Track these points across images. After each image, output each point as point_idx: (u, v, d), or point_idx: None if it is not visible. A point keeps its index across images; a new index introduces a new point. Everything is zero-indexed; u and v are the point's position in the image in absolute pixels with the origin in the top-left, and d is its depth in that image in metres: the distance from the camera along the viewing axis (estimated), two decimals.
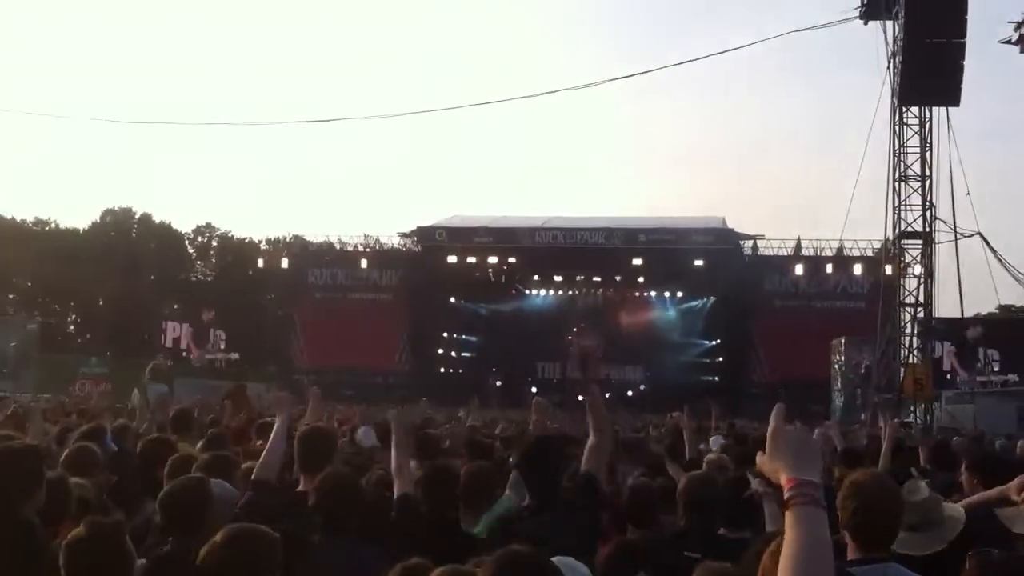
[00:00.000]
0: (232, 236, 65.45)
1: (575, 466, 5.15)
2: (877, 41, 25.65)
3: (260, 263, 50.36)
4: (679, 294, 42.60)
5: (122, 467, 6.25)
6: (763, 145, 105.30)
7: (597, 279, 43.54)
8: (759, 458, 2.20)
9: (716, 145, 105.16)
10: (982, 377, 32.28)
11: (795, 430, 2.21)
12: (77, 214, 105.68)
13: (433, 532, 4.54)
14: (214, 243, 65.76)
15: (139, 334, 49.70)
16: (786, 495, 2.05)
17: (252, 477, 4.92)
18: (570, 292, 44.65)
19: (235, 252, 63.79)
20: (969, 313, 31.69)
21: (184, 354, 42.32)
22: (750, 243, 41.80)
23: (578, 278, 43.71)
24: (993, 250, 25.08)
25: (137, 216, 62.64)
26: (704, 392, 35.54)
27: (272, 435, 5.20)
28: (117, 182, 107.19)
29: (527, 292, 44.41)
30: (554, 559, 3.25)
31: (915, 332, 26.05)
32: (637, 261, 40.05)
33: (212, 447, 6.34)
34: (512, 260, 41.43)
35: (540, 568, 2.63)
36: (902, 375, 24.95)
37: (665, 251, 39.19)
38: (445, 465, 5.58)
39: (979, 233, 24.69)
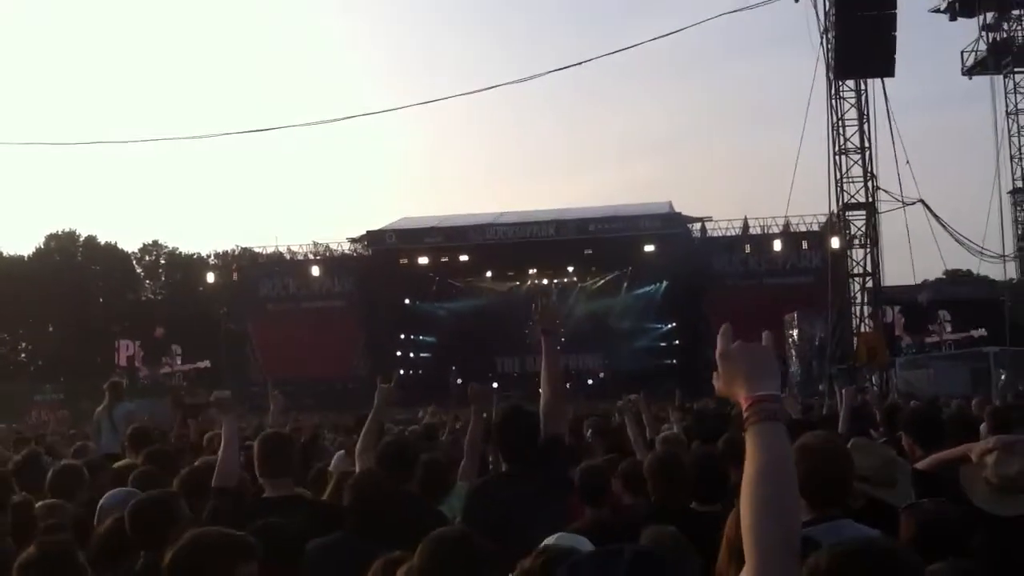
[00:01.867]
0: (180, 252, 64.75)
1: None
2: (809, 17, 25.94)
3: (210, 278, 49.84)
4: (632, 280, 42.84)
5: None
6: (705, 128, 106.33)
7: (550, 272, 43.68)
8: (714, 381, 2.07)
9: (659, 131, 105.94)
10: (933, 339, 32.92)
11: (745, 344, 2.07)
12: (20, 241, 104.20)
13: (396, 506, 4.51)
14: (162, 261, 64.97)
15: (91, 358, 49.03)
16: (744, 414, 1.90)
17: (212, 486, 4.89)
18: (524, 286, 44.73)
19: (184, 268, 63.09)
20: (917, 279, 32.33)
21: (139, 373, 41.78)
22: (698, 226, 42.11)
23: (530, 271, 43.83)
24: (936, 216, 25.53)
25: (81, 239, 61.68)
26: (662, 376, 35.98)
27: (223, 442, 5.15)
28: (59, 206, 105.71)
29: (482, 289, 44.42)
30: (559, 535, 3.31)
31: (865, 301, 26.44)
32: (588, 251, 40.20)
33: (150, 462, 6.29)
34: (464, 258, 41.41)
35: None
36: (855, 345, 25.32)
37: (615, 239, 39.41)
38: (403, 441, 5.67)
39: (921, 200, 25.11)
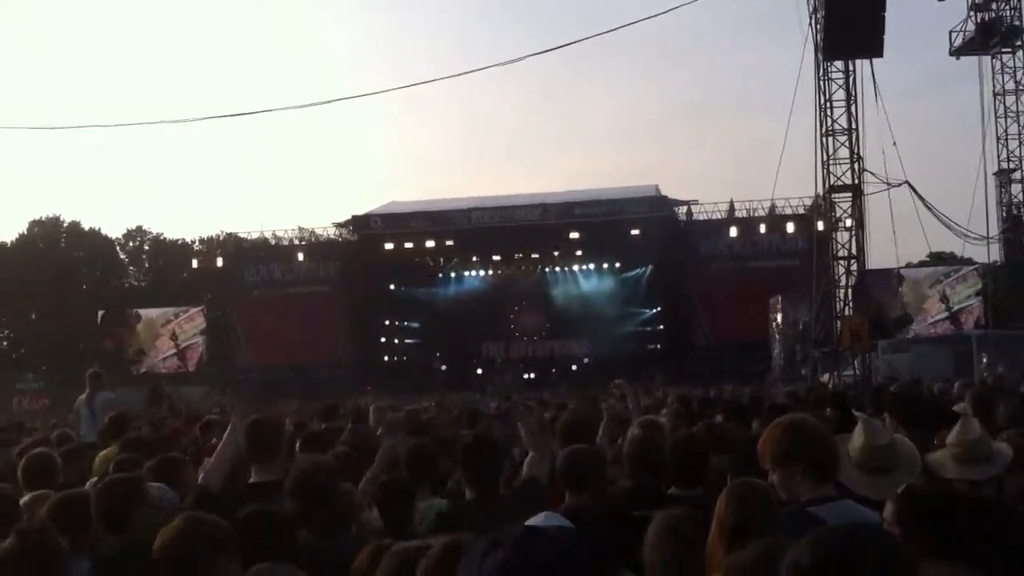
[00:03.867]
0: (164, 238, 64.42)
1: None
2: None
3: (195, 264, 49.60)
4: (617, 264, 42.84)
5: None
6: (693, 110, 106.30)
7: (536, 256, 43.64)
8: None
9: (646, 113, 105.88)
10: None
11: None
12: (3, 227, 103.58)
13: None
14: (146, 247, 64.63)
15: (74, 345, 48.79)
16: None
17: (198, 482, 4.87)
18: (510, 270, 44.72)
19: (168, 254, 62.80)
20: (902, 262, 32.42)
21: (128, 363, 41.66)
22: (684, 209, 42.10)
23: (516, 256, 43.78)
24: (921, 198, 25.59)
25: (65, 225, 61.29)
26: (647, 360, 36.05)
27: (221, 443, 5.17)
28: (43, 191, 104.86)
29: (467, 274, 44.38)
30: (546, 514, 3.34)
31: (849, 284, 26.50)
32: (574, 235, 40.21)
33: (125, 450, 6.26)
34: (449, 243, 41.33)
35: None
36: (839, 328, 25.38)
37: (601, 223, 39.39)
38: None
39: (907, 182, 25.15)
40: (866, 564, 1.86)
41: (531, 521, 3.54)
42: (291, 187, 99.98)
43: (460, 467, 5.14)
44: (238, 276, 43.15)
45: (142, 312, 44.26)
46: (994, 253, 32.31)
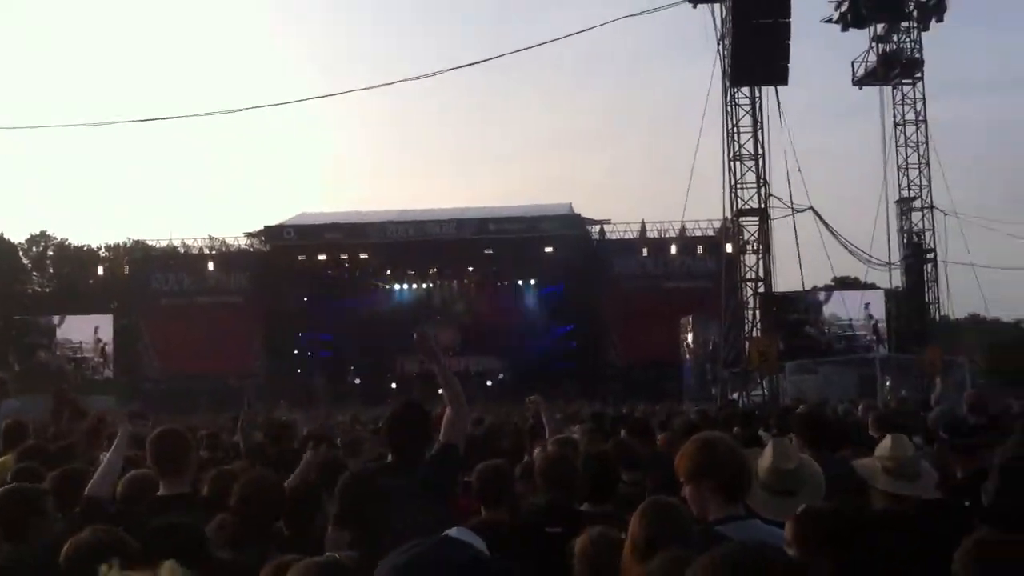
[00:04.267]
0: (70, 244, 62.86)
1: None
2: (707, 24, 26.49)
3: (100, 271, 48.45)
4: (532, 281, 43.05)
5: None
6: (606, 130, 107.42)
7: (450, 271, 43.63)
8: None
9: (560, 131, 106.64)
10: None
11: None
12: None
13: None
14: (50, 252, 62.97)
15: None
16: None
17: (85, 494, 4.69)
18: (425, 285, 44.60)
19: (73, 261, 61.29)
20: (807, 286, 33.21)
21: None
22: (597, 228, 42.52)
23: (431, 271, 43.72)
24: (826, 223, 26.42)
25: None
26: (561, 377, 36.29)
27: (110, 452, 5.01)
28: None
29: (382, 287, 44.14)
30: (459, 528, 3.39)
31: (757, 306, 27.08)
32: (488, 251, 40.30)
33: (24, 459, 6.16)
34: (364, 256, 41.10)
35: None
36: (747, 349, 25.90)
37: (515, 240, 39.60)
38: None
39: (811, 207, 25.89)
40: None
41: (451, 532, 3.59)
42: (202, 196, 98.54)
43: (385, 434, 5.11)
44: (146, 284, 42.29)
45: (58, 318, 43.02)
46: (895, 279, 33.32)
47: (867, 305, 33.69)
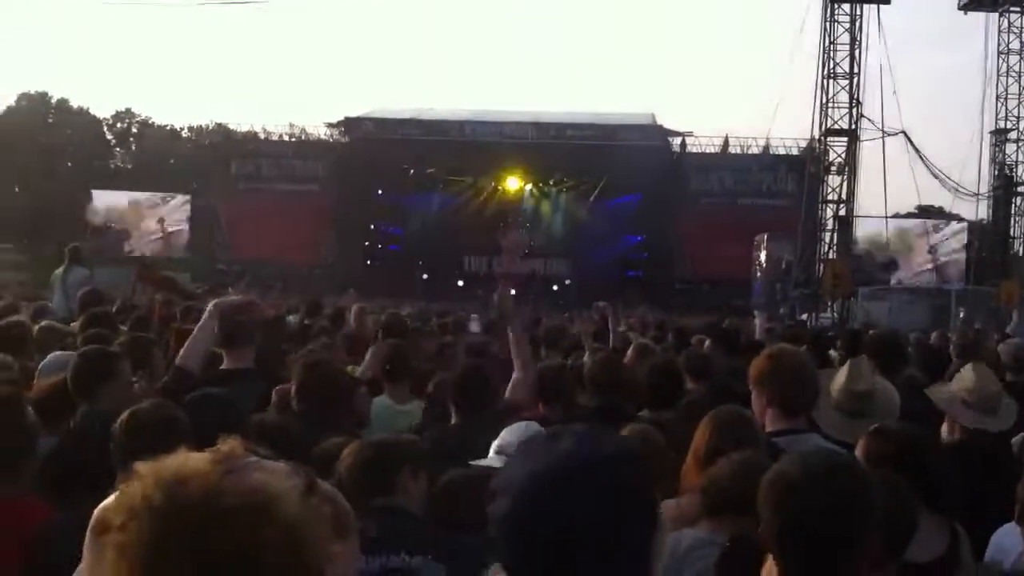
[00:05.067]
0: (153, 123, 63.68)
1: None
2: None
3: (183, 151, 49.00)
4: (606, 189, 42.62)
5: None
6: (696, 41, 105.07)
7: (525, 173, 43.33)
8: None
9: (647, 40, 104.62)
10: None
11: None
12: None
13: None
14: (134, 129, 63.90)
15: (58, 222, 48.43)
16: None
17: (175, 363, 4.76)
18: (498, 185, 44.42)
19: (156, 139, 62.15)
20: (890, 212, 32.46)
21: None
22: (678, 140, 41.83)
23: (506, 171, 43.45)
24: (916, 149, 25.63)
25: (54, 101, 60.42)
26: (628, 286, 36.13)
27: (200, 323, 4.96)
28: (33, 65, 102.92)
29: (456, 183, 44.05)
30: (519, 424, 3.39)
31: (835, 228, 26.55)
32: (565, 155, 39.92)
33: (91, 326, 6.22)
34: (440, 153, 40.99)
35: None
36: (821, 270, 25.49)
37: (593, 146, 39.17)
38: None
39: (903, 132, 25.12)
40: (842, 484, 1.92)
41: (508, 430, 3.57)
42: (284, 82, 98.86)
43: (452, 393, 5.13)
44: (225, 168, 42.73)
45: (127, 195, 43.79)
46: (982, 211, 32.41)
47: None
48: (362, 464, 3.10)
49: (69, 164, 57.15)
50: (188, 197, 43.55)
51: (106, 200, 42.98)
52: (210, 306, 5.05)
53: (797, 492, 1.98)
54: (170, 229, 42.39)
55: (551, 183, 43.76)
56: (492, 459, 3.36)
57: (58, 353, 5.23)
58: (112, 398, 4.03)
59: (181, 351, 4.81)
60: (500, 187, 44.08)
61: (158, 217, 42.46)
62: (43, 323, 6.80)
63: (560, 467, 1.49)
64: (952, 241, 36.53)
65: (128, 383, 4.34)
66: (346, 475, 3.03)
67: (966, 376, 4.19)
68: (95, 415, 3.91)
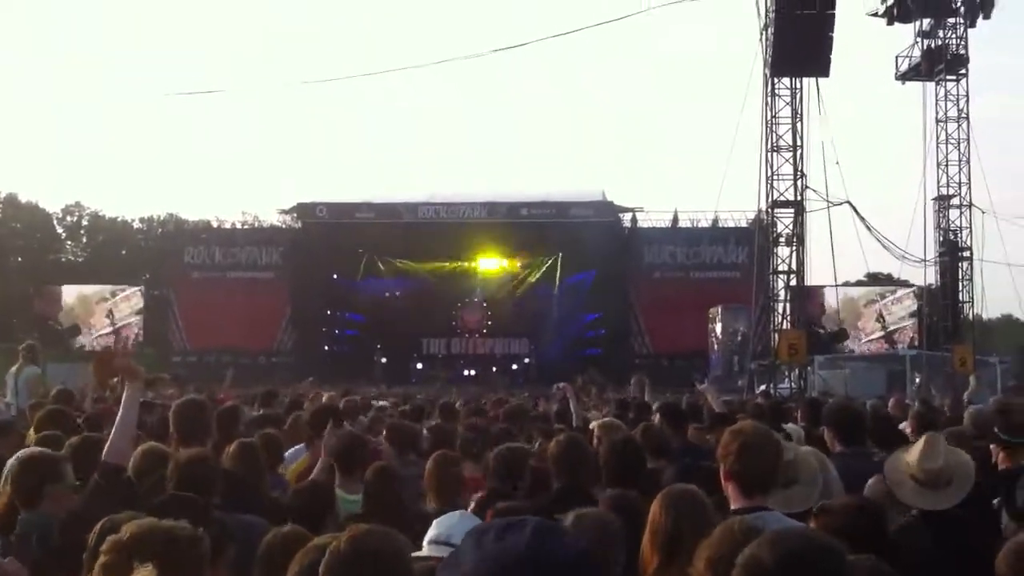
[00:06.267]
0: (104, 215, 63.38)
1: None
2: (750, 11, 26.18)
3: (134, 243, 48.83)
4: (561, 267, 42.92)
5: None
6: (643, 116, 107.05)
7: (480, 254, 43.55)
8: None
9: (596, 115, 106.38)
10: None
11: None
12: None
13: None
14: (84, 222, 63.51)
15: (7, 319, 47.79)
16: None
17: (101, 459, 4.40)
18: (454, 267, 44.57)
19: (107, 232, 61.83)
20: (839, 280, 32.94)
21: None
22: (629, 216, 42.39)
23: (461, 253, 43.66)
24: (862, 218, 26.12)
25: (2, 196, 59.97)
26: (588, 365, 36.19)
27: (120, 412, 4.56)
28: None
29: (411, 268, 44.15)
30: (450, 515, 3.36)
31: (788, 299, 26.84)
32: (519, 235, 40.22)
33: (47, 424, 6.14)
34: (395, 236, 41.10)
35: None
36: (777, 341, 25.69)
37: (546, 224, 39.54)
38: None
39: (848, 201, 25.61)
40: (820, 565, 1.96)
41: (442, 519, 3.50)
42: (236, 171, 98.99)
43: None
44: (178, 257, 42.53)
45: (77, 288, 43.35)
46: (930, 276, 32.95)
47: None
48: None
49: (19, 259, 56.59)
50: (139, 288, 43.19)
51: (58, 294, 42.49)
52: (127, 393, 4.65)
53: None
54: (119, 324, 41.90)
55: (506, 262, 43.99)
56: (429, 549, 3.30)
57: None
58: (54, 502, 3.98)
59: (106, 445, 4.45)
60: (456, 268, 44.26)
61: (106, 311, 41.99)
62: None
63: (512, 566, 1.46)
64: (899, 308, 37.13)
65: (71, 487, 4.20)
66: None
67: (914, 451, 4.21)
68: (35, 522, 3.87)
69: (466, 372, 41.59)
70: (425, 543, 3.33)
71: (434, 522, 3.48)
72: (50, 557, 3.08)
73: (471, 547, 1.53)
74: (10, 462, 4.29)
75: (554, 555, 1.49)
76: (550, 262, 42.95)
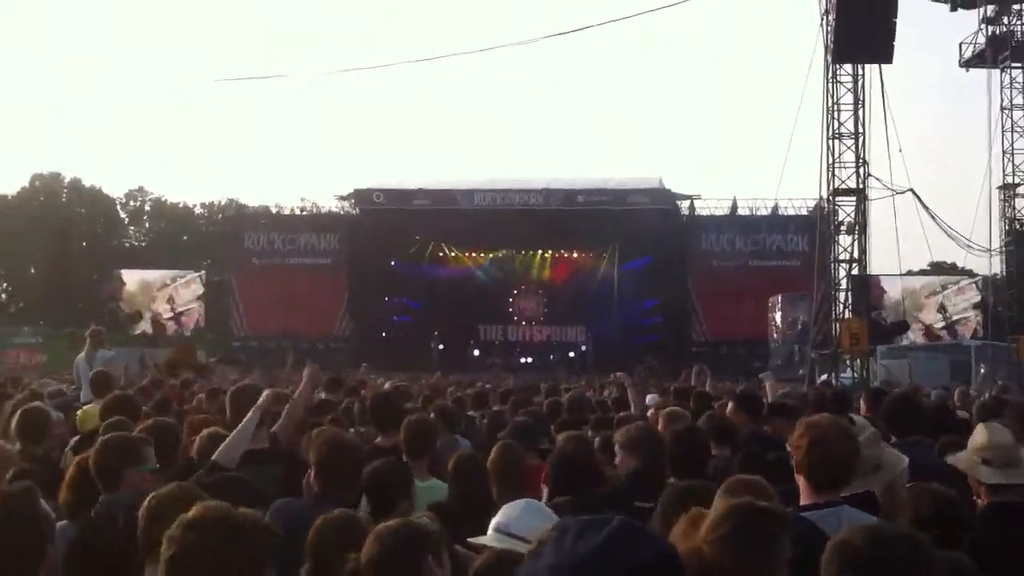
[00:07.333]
0: (166, 200, 64.29)
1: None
2: None
3: (195, 228, 49.50)
4: (618, 254, 42.74)
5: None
6: (702, 103, 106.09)
7: (536, 240, 43.49)
8: None
9: (654, 103, 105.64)
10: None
11: None
12: (4, 180, 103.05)
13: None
14: (147, 208, 64.48)
15: (73, 302, 48.74)
16: None
17: (213, 457, 4.82)
18: (511, 253, 44.58)
19: (169, 217, 62.72)
20: (903, 269, 32.37)
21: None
22: (687, 203, 42.09)
23: (517, 239, 43.61)
24: (925, 206, 25.57)
25: (66, 181, 61.09)
26: (644, 352, 36.02)
27: (244, 422, 5.10)
28: (45, 146, 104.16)
29: (467, 255, 44.27)
30: (515, 503, 3.31)
31: (849, 288, 26.44)
32: (575, 222, 40.14)
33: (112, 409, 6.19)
34: (451, 222, 41.20)
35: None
36: (838, 331, 25.34)
37: (603, 211, 39.41)
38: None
39: (911, 189, 25.11)
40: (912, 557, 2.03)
41: (508, 507, 3.44)
42: (295, 157, 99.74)
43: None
44: (238, 243, 43.07)
45: (139, 273, 44.08)
46: (995, 266, 32.30)
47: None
48: (383, 557, 2.88)
49: (84, 244, 57.64)
50: (200, 274, 43.81)
51: (121, 280, 43.26)
52: (255, 410, 5.16)
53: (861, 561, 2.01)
54: (179, 309, 42.55)
55: (563, 250, 43.92)
56: (491, 536, 3.26)
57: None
58: (134, 485, 3.99)
59: (221, 447, 4.85)
60: (512, 255, 44.28)
61: (167, 297, 42.65)
62: None
63: (590, 566, 1.46)
64: (962, 300, 36.52)
65: (151, 470, 4.26)
66: (367, 568, 2.85)
67: (978, 436, 4.22)
68: (116, 503, 3.87)
69: (523, 359, 41.60)
70: (490, 529, 3.31)
71: (500, 509, 3.44)
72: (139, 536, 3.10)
73: (552, 544, 1.54)
74: (96, 447, 4.28)
75: (633, 556, 1.48)
76: (608, 249, 42.78)
